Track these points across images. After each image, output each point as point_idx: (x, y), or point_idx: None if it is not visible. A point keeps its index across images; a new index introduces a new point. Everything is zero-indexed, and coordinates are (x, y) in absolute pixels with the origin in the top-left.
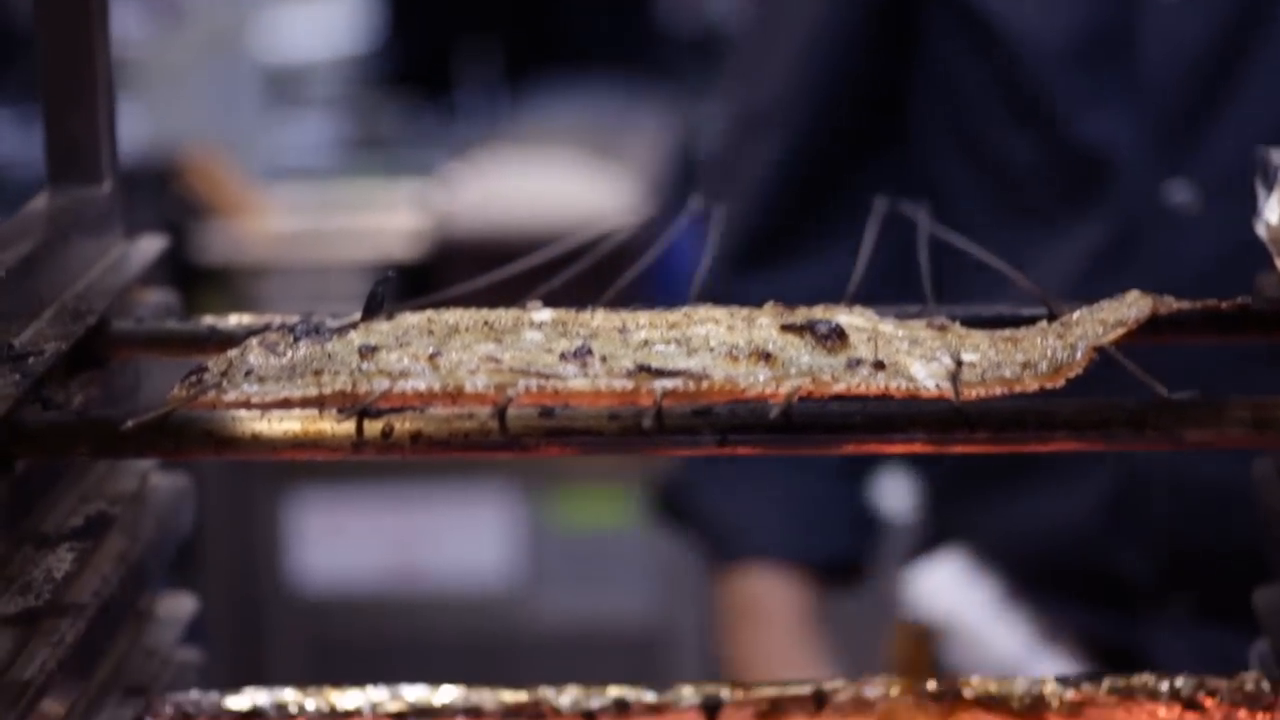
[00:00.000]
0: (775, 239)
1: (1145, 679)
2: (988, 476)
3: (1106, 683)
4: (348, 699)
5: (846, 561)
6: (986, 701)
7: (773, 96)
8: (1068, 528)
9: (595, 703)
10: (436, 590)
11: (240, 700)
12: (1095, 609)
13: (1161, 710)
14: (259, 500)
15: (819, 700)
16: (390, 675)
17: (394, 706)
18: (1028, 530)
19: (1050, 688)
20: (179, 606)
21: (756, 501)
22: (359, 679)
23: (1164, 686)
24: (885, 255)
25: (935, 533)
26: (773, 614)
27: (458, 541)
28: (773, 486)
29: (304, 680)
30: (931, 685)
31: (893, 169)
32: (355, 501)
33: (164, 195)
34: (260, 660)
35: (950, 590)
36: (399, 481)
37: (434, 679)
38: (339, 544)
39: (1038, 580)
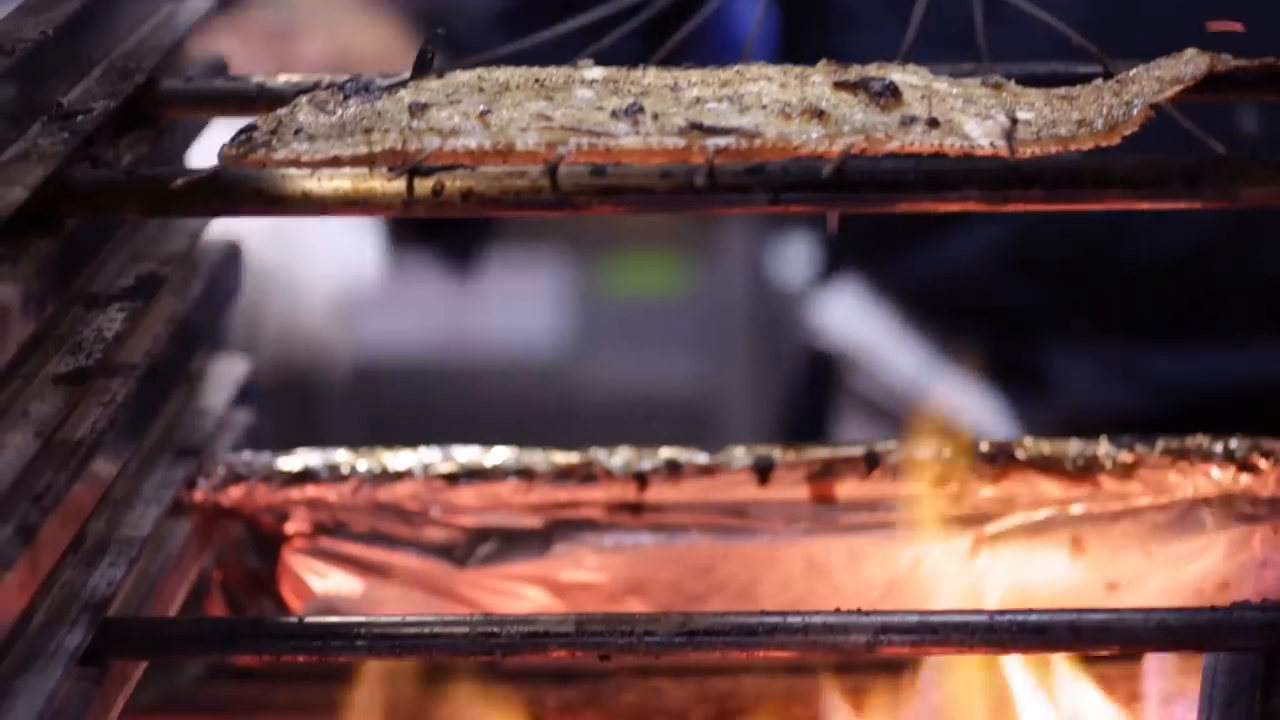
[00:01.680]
0: None
1: (1199, 440)
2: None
3: (1160, 444)
4: (400, 460)
5: None
6: (1039, 463)
7: None
8: (967, 264)
9: (647, 464)
10: (488, 356)
11: (292, 461)
12: (993, 334)
13: (1215, 471)
14: None
15: (871, 461)
16: (442, 441)
17: (446, 468)
18: (925, 265)
19: (1103, 449)
20: (231, 369)
21: None
22: (410, 444)
23: (1218, 448)
24: None
25: (832, 263)
26: None
27: (509, 307)
28: None
29: (356, 444)
30: (985, 446)
31: None
32: (406, 268)
33: None
34: (313, 426)
35: (850, 317)
36: None
37: (486, 444)
38: (390, 310)
39: (935, 310)
